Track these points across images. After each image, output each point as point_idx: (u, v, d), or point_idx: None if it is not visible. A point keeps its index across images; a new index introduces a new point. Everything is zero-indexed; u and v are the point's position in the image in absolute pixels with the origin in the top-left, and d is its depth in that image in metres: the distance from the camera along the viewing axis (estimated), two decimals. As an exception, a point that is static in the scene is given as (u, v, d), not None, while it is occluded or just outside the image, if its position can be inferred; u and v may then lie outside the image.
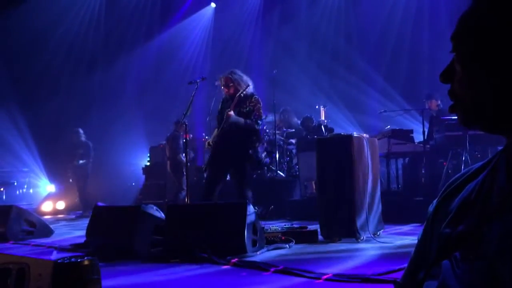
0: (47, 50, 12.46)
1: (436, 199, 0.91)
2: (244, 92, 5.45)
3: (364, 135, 5.24)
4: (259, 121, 5.50)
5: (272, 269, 3.37)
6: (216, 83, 5.64)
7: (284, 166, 9.10)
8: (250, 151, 5.45)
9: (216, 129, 5.64)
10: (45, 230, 6.36)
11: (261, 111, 5.52)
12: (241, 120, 5.39)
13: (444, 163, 6.94)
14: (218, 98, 5.75)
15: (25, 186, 11.58)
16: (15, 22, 11.86)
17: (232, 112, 5.36)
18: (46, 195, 11.89)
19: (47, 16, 12.38)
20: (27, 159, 11.64)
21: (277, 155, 8.83)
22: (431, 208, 0.91)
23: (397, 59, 11.11)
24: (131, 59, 13.32)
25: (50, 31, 12.53)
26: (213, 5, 14.08)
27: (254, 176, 8.81)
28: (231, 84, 5.49)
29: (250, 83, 5.52)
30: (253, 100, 5.49)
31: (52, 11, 12.49)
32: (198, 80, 5.70)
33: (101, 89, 13.00)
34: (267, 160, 8.98)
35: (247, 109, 5.45)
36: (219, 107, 5.66)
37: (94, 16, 13.44)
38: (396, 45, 11.23)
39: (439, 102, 7.74)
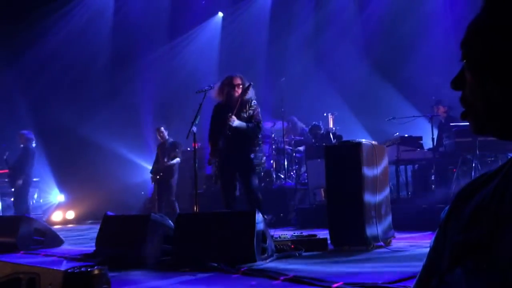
0: (57, 60, 12.57)
1: (448, 206, 0.90)
2: (244, 99, 5.52)
3: (373, 142, 5.22)
4: (260, 125, 5.63)
5: (281, 278, 3.35)
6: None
7: (292, 174, 9.08)
8: (251, 155, 5.53)
9: (210, 142, 5.70)
10: (55, 239, 6.38)
11: (260, 115, 5.64)
12: (244, 124, 5.46)
13: (454, 170, 6.90)
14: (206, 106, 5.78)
15: (35, 196, 11.64)
16: (28, 35, 12.00)
17: (234, 117, 5.41)
18: (56, 205, 11.94)
19: (57, 27, 12.54)
20: (37, 169, 11.71)
21: (286, 163, 8.82)
22: (443, 215, 0.90)
23: (405, 64, 11.07)
24: (140, 68, 13.41)
25: (60, 42, 12.66)
26: (220, 14, 14.17)
27: (263, 184, 8.80)
28: (241, 85, 5.56)
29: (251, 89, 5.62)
30: (252, 104, 5.59)
31: (65, 25, 12.67)
32: (206, 89, 5.72)
33: (110, 99, 13.09)
34: (267, 165, 8.95)
35: (248, 113, 5.52)
36: (213, 114, 5.73)
37: (104, 25, 13.57)
38: (404, 50, 11.20)
39: (447, 108, 7.70)
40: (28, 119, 11.85)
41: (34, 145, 9.51)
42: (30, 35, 11.99)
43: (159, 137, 8.84)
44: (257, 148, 5.75)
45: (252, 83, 5.67)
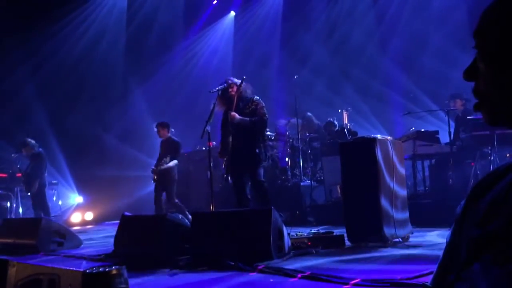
0: (72, 62, 12.71)
1: (464, 199, 0.89)
2: (244, 97, 5.62)
3: (389, 137, 5.18)
4: (264, 118, 5.62)
5: (299, 275, 3.34)
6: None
7: (308, 171, 9.06)
8: (257, 150, 5.56)
9: (221, 144, 5.90)
10: (74, 241, 6.46)
11: (264, 110, 5.66)
12: (246, 119, 5.53)
13: (472, 164, 6.81)
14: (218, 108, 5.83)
15: (54, 198, 11.80)
16: (43, 36, 12.15)
17: (235, 113, 5.49)
18: (74, 206, 12.09)
19: (72, 28, 12.69)
20: (55, 171, 11.88)
21: (301, 160, 8.80)
22: (459, 209, 0.89)
23: (421, 59, 10.96)
24: (153, 68, 13.50)
25: (75, 44, 12.80)
26: (232, 13, 14.19)
27: (278, 182, 8.80)
28: (233, 84, 5.69)
29: (248, 87, 5.74)
30: (254, 101, 5.67)
31: (79, 25, 12.81)
32: (219, 88, 5.74)
33: (124, 99, 13.21)
34: (282, 163, 8.90)
35: (250, 109, 5.60)
36: (223, 119, 5.86)
37: (118, 26, 13.69)
38: (419, 44, 11.09)
39: (464, 101, 7.60)
40: (44, 122, 12.01)
41: (39, 149, 9.61)
42: (45, 38, 12.13)
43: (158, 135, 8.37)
44: (262, 144, 5.75)
45: (244, 77, 5.75)
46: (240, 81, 5.69)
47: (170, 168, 7.96)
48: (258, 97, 5.75)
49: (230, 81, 5.74)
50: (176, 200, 8.12)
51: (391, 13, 11.71)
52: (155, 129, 8.35)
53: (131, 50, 13.60)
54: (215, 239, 4.32)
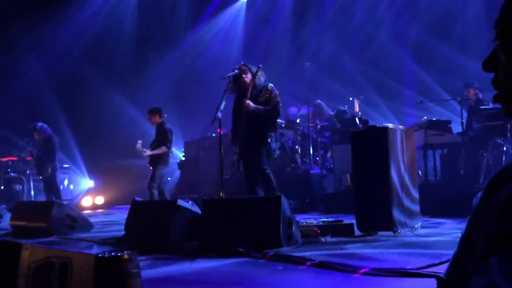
0: (85, 49, 12.75)
1: (481, 192, 0.88)
2: (257, 84, 5.56)
3: (400, 126, 5.15)
4: (278, 107, 5.57)
5: (308, 263, 3.35)
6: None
7: (318, 159, 9.04)
8: (268, 139, 5.58)
9: (232, 132, 5.85)
10: (85, 224, 6.53)
11: (278, 98, 5.59)
12: (260, 108, 5.48)
13: (484, 154, 6.75)
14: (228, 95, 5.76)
15: (65, 182, 11.93)
16: (53, 23, 12.18)
17: (250, 101, 5.44)
18: (85, 191, 12.22)
19: (83, 17, 12.69)
20: (67, 156, 11.99)
21: (311, 148, 8.78)
22: (475, 201, 0.88)
23: (433, 47, 10.83)
24: (164, 54, 13.50)
25: (86, 31, 12.82)
26: (244, -1, 14.10)
27: (288, 170, 8.79)
28: (247, 70, 5.61)
29: (262, 74, 5.66)
30: (268, 88, 5.60)
31: (89, 13, 12.80)
32: (230, 75, 5.72)
33: (135, 84, 13.24)
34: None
35: (264, 98, 5.54)
36: (234, 106, 5.80)
37: (129, 11, 13.67)
38: (432, 33, 10.95)
39: (477, 91, 7.52)
40: (56, 106, 12.09)
41: (51, 133, 9.67)
42: (54, 20, 12.15)
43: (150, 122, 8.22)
44: (273, 133, 5.73)
45: (261, 65, 5.69)
46: (256, 68, 5.63)
47: (157, 154, 7.82)
48: (272, 85, 5.68)
49: (244, 67, 5.67)
50: (154, 186, 7.78)
51: (402, 2, 11.55)
52: (147, 116, 8.17)
53: (141, 36, 13.59)
54: (225, 225, 4.34)
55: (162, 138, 7.91)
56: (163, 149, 7.83)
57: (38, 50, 12.23)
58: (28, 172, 10.81)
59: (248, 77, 5.60)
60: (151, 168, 8.01)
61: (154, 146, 7.95)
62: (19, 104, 11.75)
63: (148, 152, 7.84)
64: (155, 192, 7.80)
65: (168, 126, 8.05)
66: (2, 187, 10.73)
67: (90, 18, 12.91)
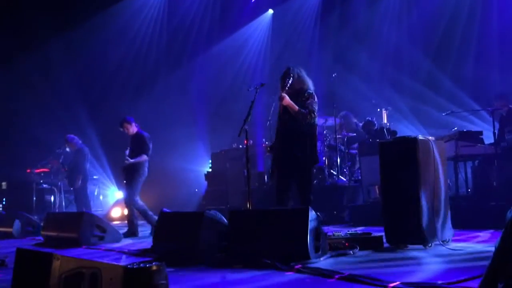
0: (113, 61, 13.02)
1: (516, 205, 0.85)
2: (300, 88, 5.48)
3: (430, 137, 5.06)
4: (312, 114, 5.41)
5: (336, 276, 3.31)
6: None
7: (345, 171, 8.96)
8: (308, 151, 5.40)
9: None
10: (115, 235, 6.62)
11: (314, 105, 5.45)
12: (296, 106, 5.36)
13: (518, 166, 6.57)
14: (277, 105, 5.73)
15: (96, 193, 12.15)
16: (84, 36, 12.50)
17: (285, 94, 5.34)
18: (114, 202, 12.39)
19: (112, 28, 12.98)
20: (96, 167, 12.21)
21: (338, 160, 8.71)
22: (510, 214, 0.86)
23: (463, 58, 10.65)
24: (192, 66, 13.68)
25: (116, 42, 13.10)
26: (270, 11, 14.19)
27: (315, 181, 8.74)
28: (291, 75, 5.50)
29: (308, 82, 5.58)
30: (307, 94, 5.49)
31: (116, 23, 13.08)
32: (257, 86, 5.73)
33: (164, 96, 13.42)
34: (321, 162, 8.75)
35: (301, 100, 5.45)
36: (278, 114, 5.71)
37: (157, 25, 13.94)
38: (462, 44, 10.78)
39: (507, 101, 7.35)
40: (86, 120, 12.36)
41: (82, 145, 9.90)
42: (84, 36, 12.46)
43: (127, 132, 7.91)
44: (313, 145, 5.55)
45: (291, 66, 5.59)
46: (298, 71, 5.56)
47: (135, 163, 7.59)
48: (311, 90, 5.55)
49: (290, 71, 5.52)
50: (137, 199, 7.58)
51: (433, 11, 11.41)
52: (121, 129, 7.92)
53: (169, 49, 13.81)
54: (252, 237, 4.33)
55: (141, 146, 7.67)
56: (143, 157, 7.63)
57: (67, 62, 12.51)
58: (59, 183, 11.05)
59: (290, 81, 5.51)
60: (124, 182, 7.79)
61: (133, 155, 7.65)
62: (51, 115, 12.07)
63: (131, 160, 7.57)
64: (140, 203, 7.57)
65: (147, 134, 7.86)
66: (35, 198, 10.98)
67: (119, 34, 13.18)
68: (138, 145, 7.72)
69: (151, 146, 7.80)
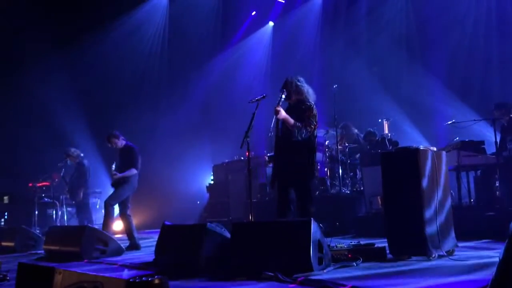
0: (114, 74, 13.05)
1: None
2: (301, 99, 5.45)
3: (432, 147, 5.05)
4: (308, 128, 5.30)
5: (340, 288, 3.29)
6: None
7: (347, 181, 8.95)
8: (306, 164, 5.33)
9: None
10: (116, 248, 6.60)
11: (312, 119, 5.35)
12: (291, 120, 5.29)
13: (521, 175, 6.55)
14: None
15: (97, 206, 12.12)
16: (84, 51, 12.56)
17: (280, 108, 5.29)
18: (116, 215, 12.36)
19: (114, 42, 13.04)
20: (98, 181, 12.20)
21: (340, 171, 8.70)
22: (513, 225, 0.86)
23: (465, 68, 10.67)
24: (193, 79, 13.72)
25: (117, 55, 13.15)
26: (271, 23, 14.29)
27: (317, 192, 8.72)
28: (284, 90, 5.47)
29: (309, 95, 5.53)
30: (304, 107, 5.41)
31: (118, 37, 13.16)
32: (259, 98, 5.74)
33: (165, 109, 13.46)
34: (321, 173, 8.73)
35: (299, 112, 5.39)
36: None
37: (159, 38, 14.02)
38: (464, 54, 10.81)
39: (509, 111, 7.36)
40: (87, 133, 12.38)
41: (84, 159, 9.91)
42: (84, 50, 12.51)
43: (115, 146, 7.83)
44: (312, 156, 5.53)
45: (288, 77, 5.56)
46: (296, 81, 5.53)
47: (125, 177, 7.54)
48: (310, 103, 5.47)
49: (289, 81, 5.52)
50: (114, 206, 7.56)
51: (431, 21, 11.47)
52: (109, 145, 7.85)
53: (169, 61, 13.87)
54: (254, 249, 4.32)
55: (131, 160, 7.59)
56: (133, 171, 7.56)
57: (67, 74, 12.52)
58: (61, 197, 11.04)
59: (284, 95, 5.49)
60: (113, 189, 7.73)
61: (123, 169, 7.58)
62: (51, 128, 12.09)
63: (119, 175, 7.52)
64: (112, 210, 7.54)
65: (136, 147, 7.80)
66: (36, 212, 10.96)
67: (120, 49, 13.22)
68: (128, 158, 7.65)
69: (140, 159, 7.74)
